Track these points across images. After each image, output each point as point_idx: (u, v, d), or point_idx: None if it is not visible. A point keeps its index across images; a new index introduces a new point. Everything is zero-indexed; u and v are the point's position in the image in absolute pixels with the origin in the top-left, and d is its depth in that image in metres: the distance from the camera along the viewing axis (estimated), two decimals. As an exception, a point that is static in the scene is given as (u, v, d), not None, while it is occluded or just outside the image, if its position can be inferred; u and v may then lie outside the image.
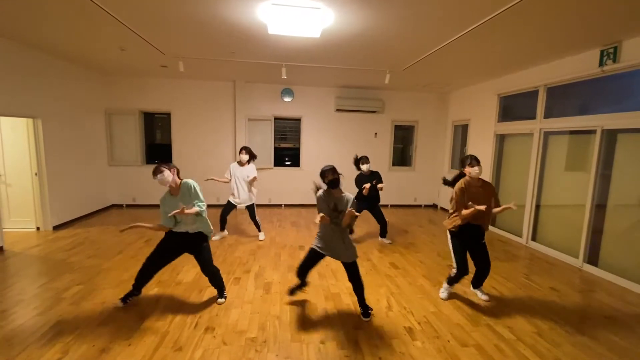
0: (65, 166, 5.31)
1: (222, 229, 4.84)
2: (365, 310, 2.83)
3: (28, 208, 4.94)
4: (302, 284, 3.07)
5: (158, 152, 7.03)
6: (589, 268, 4.02)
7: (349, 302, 3.09)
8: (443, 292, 3.24)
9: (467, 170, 2.91)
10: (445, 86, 6.67)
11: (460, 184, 2.93)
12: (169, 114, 6.81)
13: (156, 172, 2.69)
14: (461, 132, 7.05)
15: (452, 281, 3.16)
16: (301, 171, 7.26)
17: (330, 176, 2.72)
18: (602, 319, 2.90)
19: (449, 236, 3.10)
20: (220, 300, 3.02)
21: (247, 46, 4.30)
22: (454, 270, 3.10)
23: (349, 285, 3.40)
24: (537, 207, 4.89)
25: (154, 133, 7.06)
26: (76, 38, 4.11)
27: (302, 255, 4.28)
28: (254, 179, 4.60)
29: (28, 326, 2.55)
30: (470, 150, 6.52)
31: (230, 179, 4.63)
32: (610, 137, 3.89)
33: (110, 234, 5.00)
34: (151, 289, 3.20)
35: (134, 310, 2.83)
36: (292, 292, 3.11)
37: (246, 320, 2.73)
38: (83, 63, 5.51)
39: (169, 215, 2.71)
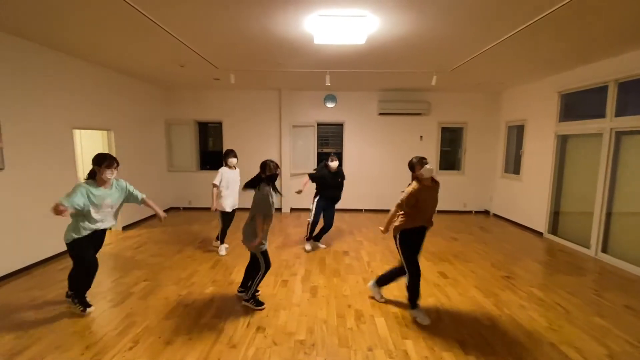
0: (132, 172, 5.89)
1: (223, 241, 4.55)
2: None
3: (102, 210, 5.56)
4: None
5: (211, 159, 7.51)
6: (676, 286, 3.52)
7: (396, 310, 3.04)
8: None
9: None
10: (498, 85, 6.29)
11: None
12: (220, 123, 7.27)
13: (113, 166, 2.82)
14: (516, 133, 6.59)
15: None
16: (344, 176, 7.29)
17: (274, 170, 2.91)
18: (694, 346, 2.53)
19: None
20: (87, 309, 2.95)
21: (293, 56, 4.45)
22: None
23: (397, 293, 3.37)
24: (608, 214, 4.40)
25: (207, 141, 7.58)
26: (143, 58, 4.57)
27: (346, 260, 4.31)
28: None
29: (105, 316, 2.88)
30: (527, 152, 6.06)
31: (220, 185, 4.31)
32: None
33: (170, 234, 5.44)
34: (207, 288, 3.43)
35: (192, 307, 3.05)
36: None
37: (294, 322, 2.81)
38: (148, 79, 6.10)
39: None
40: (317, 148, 7.37)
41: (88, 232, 2.82)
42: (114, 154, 5.34)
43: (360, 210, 7.41)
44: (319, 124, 7.31)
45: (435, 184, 2.91)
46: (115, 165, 2.85)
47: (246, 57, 4.53)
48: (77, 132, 5.32)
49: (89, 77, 4.85)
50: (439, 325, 2.79)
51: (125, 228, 5.71)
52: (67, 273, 3.02)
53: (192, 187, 7.38)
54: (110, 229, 2.99)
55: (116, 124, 5.44)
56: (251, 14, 3.04)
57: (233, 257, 4.39)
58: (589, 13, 2.93)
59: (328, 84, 5.51)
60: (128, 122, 5.79)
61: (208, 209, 7.36)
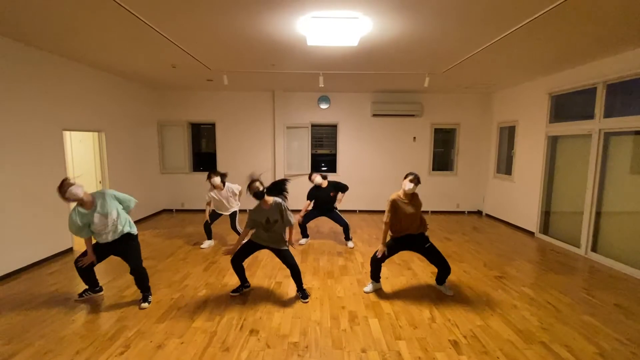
0: (123, 174, 5.84)
1: (210, 237, 4.97)
2: (304, 293, 3.24)
3: (93, 213, 5.49)
4: (245, 285, 3.38)
5: (204, 160, 7.46)
6: (663, 284, 3.59)
7: (390, 311, 3.04)
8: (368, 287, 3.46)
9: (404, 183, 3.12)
10: (490, 86, 6.36)
11: (393, 196, 3.16)
12: (213, 124, 7.23)
13: (64, 188, 2.66)
14: (507, 134, 6.66)
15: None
16: (338, 177, 7.29)
17: (255, 188, 2.92)
18: (681, 343, 2.58)
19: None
20: (144, 305, 3.07)
21: (286, 58, 4.45)
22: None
23: (388, 294, 3.37)
24: (598, 214, 4.47)
25: (200, 142, 7.53)
26: (136, 59, 4.53)
27: (340, 261, 4.31)
28: (241, 192, 4.87)
29: (95, 321, 2.83)
30: (519, 153, 6.13)
31: (211, 204, 4.76)
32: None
33: (162, 237, 5.39)
34: (200, 291, 3.40)
35: (185, 310, 3.02)
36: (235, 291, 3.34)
37: (288, 324, 2.80)
38: (139, 80, 6.05)
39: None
40: (312, 149, 7.37)
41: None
42: (104, 156, 5.31)
43: (354, 211, 7.42)
44: (313, 125, 7.31)
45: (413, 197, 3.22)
46: (59, 186, 2.68)
47: (239, 59, 4.51)
48: (67, 134, 5.25)
49: (80, 78, 4.78)
50: (433, 325, 2.81)
51: (117, 231, 5.63)
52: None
53: (185, 188, 7.32)
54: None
55: (107, 125, 5.38)
56: (244, 15, 3.03)
57: (227, 260, 4.35)
58: (577, 16, 2.98)
59: (322, 85, 5.51)
60: (120, 124, 5.73)
61: (201, 210, 7.35)
